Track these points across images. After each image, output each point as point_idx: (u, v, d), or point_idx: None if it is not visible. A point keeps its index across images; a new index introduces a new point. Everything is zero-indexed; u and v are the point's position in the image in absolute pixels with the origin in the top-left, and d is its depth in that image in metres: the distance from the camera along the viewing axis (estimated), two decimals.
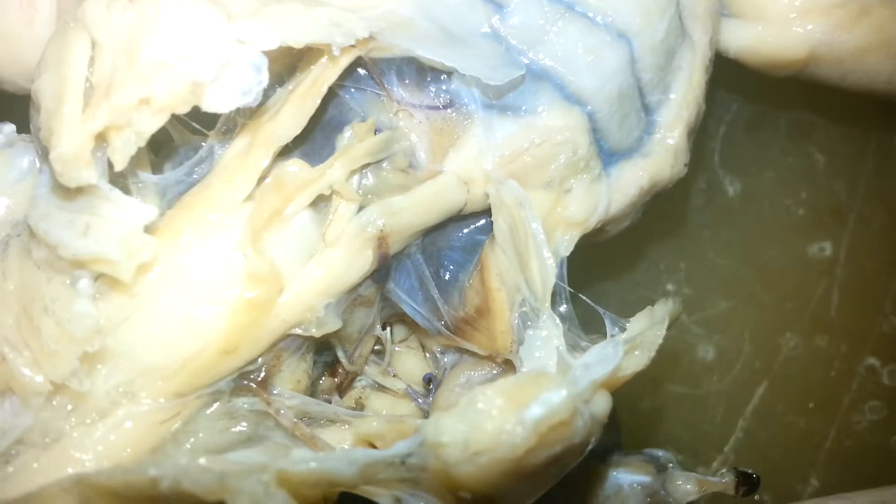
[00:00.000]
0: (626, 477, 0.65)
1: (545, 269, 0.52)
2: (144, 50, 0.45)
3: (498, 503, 0.47)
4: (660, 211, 0.80)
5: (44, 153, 0.45)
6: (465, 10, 0.53)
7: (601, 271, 0.81)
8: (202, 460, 0.42)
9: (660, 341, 0.52)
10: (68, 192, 0.45)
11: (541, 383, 0.43)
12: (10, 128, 0.53)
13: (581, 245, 0.60)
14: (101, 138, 0.44)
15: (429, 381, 0.57)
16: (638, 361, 0.50)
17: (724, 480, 0.63)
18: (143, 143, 0.44)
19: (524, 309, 0.53)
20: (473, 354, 0.56)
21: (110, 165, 0.45)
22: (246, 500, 0.40)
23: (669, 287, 0.84)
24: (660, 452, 0.67)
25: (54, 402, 0.47)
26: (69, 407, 0.47)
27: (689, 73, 0.59)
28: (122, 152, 0.44)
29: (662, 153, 0.58)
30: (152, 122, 0.44)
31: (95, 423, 0.47)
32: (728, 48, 0.64)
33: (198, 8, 0.46)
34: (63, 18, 0.48)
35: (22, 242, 0.48)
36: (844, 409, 0.83)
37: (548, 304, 0.51)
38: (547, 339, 0.52)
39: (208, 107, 0.45)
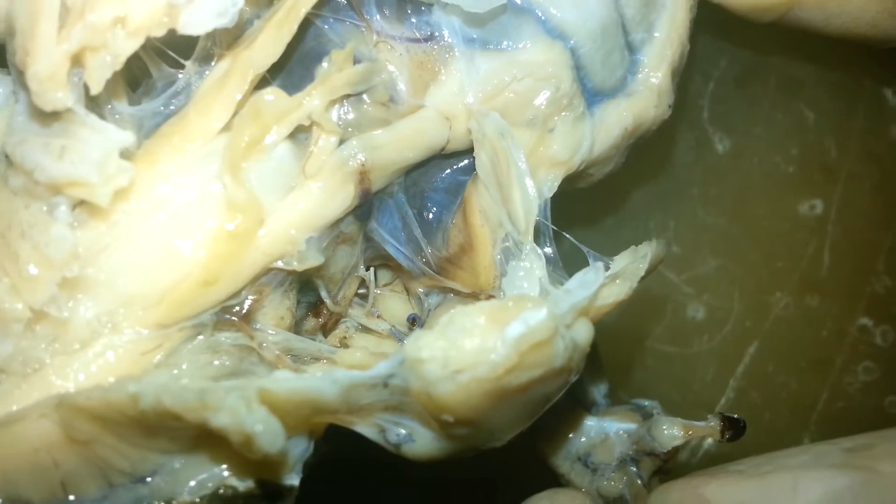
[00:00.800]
0: (612, 425, 0.65)
1: (528, 200, 0.52)
2: None
3: (481, 429, 0.47)
4: (649, 168, 0.82)
5: (19, 79, 0.45)
6: None
7: (590, 230, 0.82)
8: (184, 381, 0.44)
9: (641, 273, 0.52)
10: (45, 118, 0.45)
11: (522, 304, 0.43)
12: None
13: (569, 198, 0.60)
14: (78, 62, 0.44)
15: (413, 321, 0.57)
16: (619, 290, 0.50)
17: (710, 425, 0.64)
18: (118, 67, 0.44)
19: (507, 244, 0.54)
20: (457, 293, 0.56)
21: (86, 91, 0.45)
22: (226, 416, 0.41)
23: None
24: (646, 402, 0.68)
25: (35, 330, 0.46)
26: (50, 336, 0.47)
27: (673, 11, 0.59)
28: (98, 75, 0.44)
29: (647, 93, 0.59)
30: (128, 45, 0.44)
31: (76, 353, 0.47)
32: None
33: None
34: None
35: (2, 167, 0.48)
36: (837, 370, 0.83)
37: (530, 237, 0.52)
38: (530, 270, 0.52)
39: (184, 28, 0.45)
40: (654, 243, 0.57)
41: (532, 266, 0.52)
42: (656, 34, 0.59)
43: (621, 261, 0.54)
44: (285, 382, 0.42)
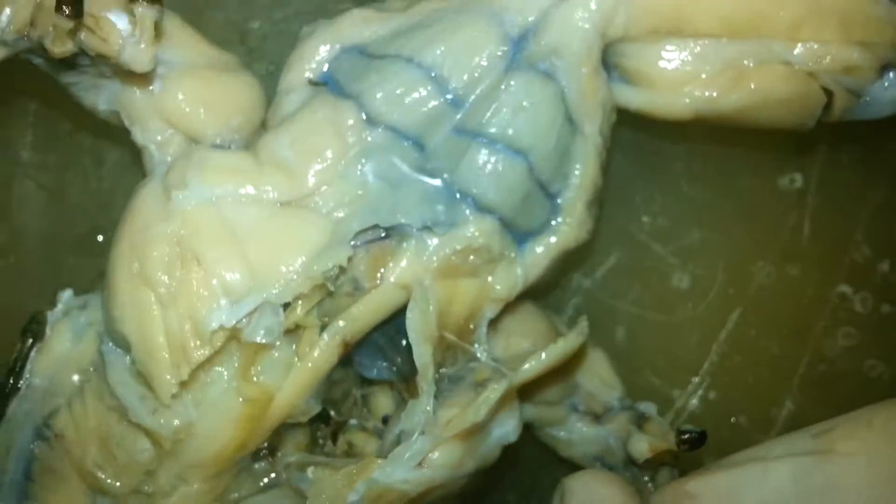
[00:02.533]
0: (610, 435, 0.80)
1: (420, 356, 0.69)
2: (207, 326, 0.67)
3: None
4: (635, 145, 0.89)
5: (121, 348, 0.70)
6: (394, 158, 0.70)
7: None
8: None
9: (493, 398, 0.69)
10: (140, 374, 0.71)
11: (356, 476, 0.67)
12: (67, 295, 0.73)
13: None
14: None
15: (384, 420, 0.76)
16: (464, 420, 0.68)
17: (670, 441, 0.77)
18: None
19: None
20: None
21: None
22: None
23: (645, 219, 0.89)
24: (642, 406, 0.81)
25: (136, 495, 0.71)
26: (146, 495, 0.71)
27: (584, 162, 0.73)
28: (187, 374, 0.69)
29: (566, 229, 0.74)
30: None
31: (164, 500, 0.71)
32: (628, 106, 0.76)
33: (231, 269, 0.67)
34: (124, 258, 0.69)
35: (93, 388, 0.72)
36: (818, 335, 0.88)
37: (428, 376, 0.69)
38: (410, 415, 0.70)
39: (244, 341, 0.68)
40: (557, 346, 0.73)
41: (415, 409, 0.70)
42: (570, 181, 0.73)
43: (494, 389, 0.70)
44: None
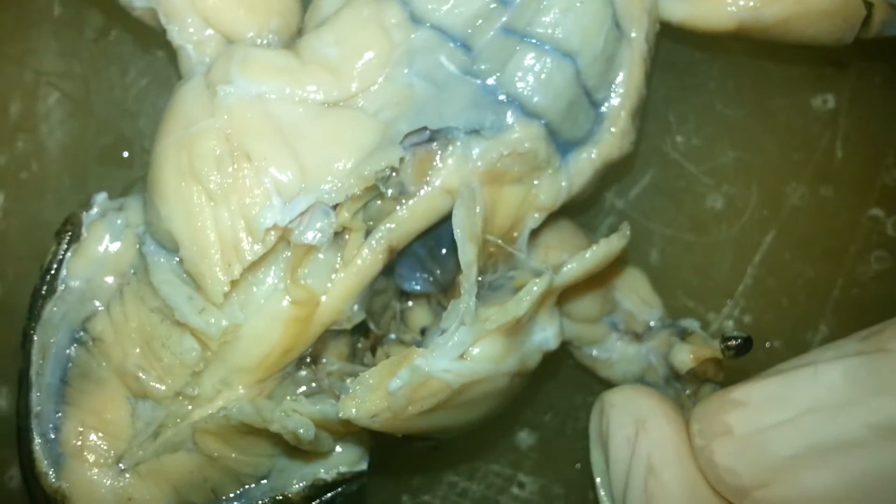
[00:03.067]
0: (652, 352, 0.80)
1: (465, 254, 0.69)
2: (260, 224, 0.66)
3: (432, 432, 0.71)
4: (669, 64, 0.91)
5: (165, 245, 0.70)
6: (442, 58, 0.70)
7: None
8: (247, 403, 0.68)
9: (538, 291, 0.68)
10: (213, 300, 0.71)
11: (400, 363, 0.66)
12: (101, 197, 0.73)
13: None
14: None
15: (422, 332, 0.77)
16: (506, 313, 0.67)
17: (714, 347, 0.77)
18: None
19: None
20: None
21: None
22: (276, 424, 0.66)
23: (678, 138, 0.90)
24: (685, 323, 0.82)
25: (178, 399, 0.72)
26: (189, 400, 0.71)
27: (629, 69, 0.74)
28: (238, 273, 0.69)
29: (610, 139, 0.75)
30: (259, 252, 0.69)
31: (207, 406, 0.72)
32: (670, 20, 0.77)
33: (283, 167, 0.67)
34: (169, 154, 0.69)
35: (133, 291, 0.72)
36: (851, 259, 0.89)
37: (471, 275, 0.69)
38: (453, 312, 0.69)
39: (295, 242, 0.68)
40: (601, 246, 0.72)
41: (457, 307, 0.69)
42: (616, 90, 0.74)
43: (541, 281, 0.69)
44: (308, 406, 0.68)
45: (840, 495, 0.67)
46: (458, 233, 0.70)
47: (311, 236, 0.69)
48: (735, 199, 0.89)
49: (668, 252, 0.89)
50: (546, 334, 0.73)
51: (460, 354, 0.67)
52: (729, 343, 0.76)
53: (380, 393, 0.67)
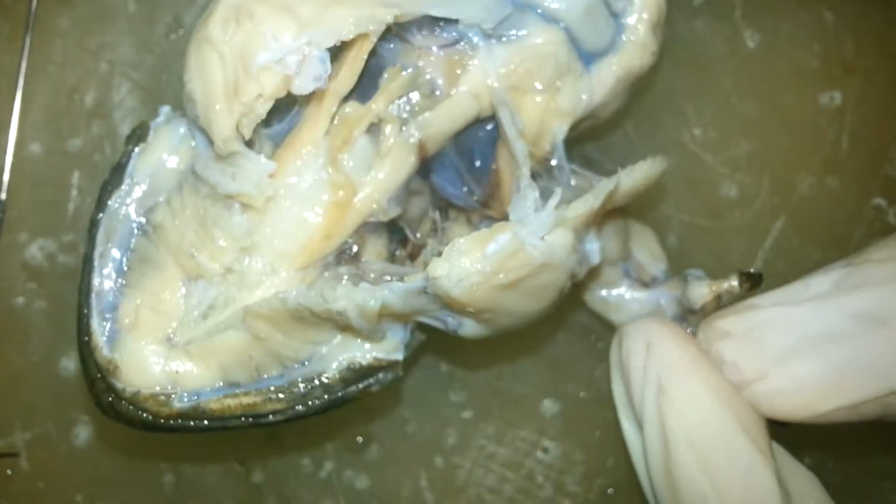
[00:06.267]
0: (664, 294, 0.84)
1: (520, 151, 0.73)
2: (254, 60, 0.70)
3: (499, 313, 0.71)
4: (688, 61, 0.93)
5: (202, 130, 0.74)
6: None
7: (636, 117, 0.92)
8: (313, 291, 0.70)
9: (608, 188, 0.72)
10: (221, 155, 0.73)
11: (497, 230, 0.68)
12: (166, 108, 0.79)
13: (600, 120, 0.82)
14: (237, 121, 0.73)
15: None
16: (589, 203, 0.71)
17: (731, 282, 0.80)
18: (260, 119, 0.72)
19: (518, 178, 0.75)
20: (497, 219, 0.78)
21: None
22: (342, 302, 0.69)
23: (696, 131, 0.92)
24: (693, 272, 0.84)
25: (228, 279, 0.75)
26: (237, 281, 0.75)
27: None
28: (249, 127, 0.72)
29: (631, 49, 0.78)
30: (265, 106, 0.72)
31: (253, 290, 0.75)
32: None
33: (282, 25, 0.71)
34: (196, 37, 0.74)
35: (190, 184, 0.76)
36: (855, 244, 0.91)
37: (526, 171, 0.73)
38: (523, 198, 0.72)
39: (295, 91, 0.72)
40: (647, 164, 0.76)
41: (527, 195, 0.72)
42: (633, 2, 0.77)
43: (606, 182, 0.73)
44: (368, 292, 0.69)
45: (826, 381, 0.70)
46: (509, 131, 0.73)
47: (309, 83, 0.71)
48: (748, 187, 0.90)
49: (686, 236, 0.90)
50: (592, 247, 0.74)
51: (542, 236, 0.68)
52: (744, 276, 0.79)
53: (475, 255, 0.67)
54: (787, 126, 0.91)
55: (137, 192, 0.76)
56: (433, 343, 0.78)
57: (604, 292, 0.84)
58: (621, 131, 0.91)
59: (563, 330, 0.89)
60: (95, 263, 0.75)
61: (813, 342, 0.70)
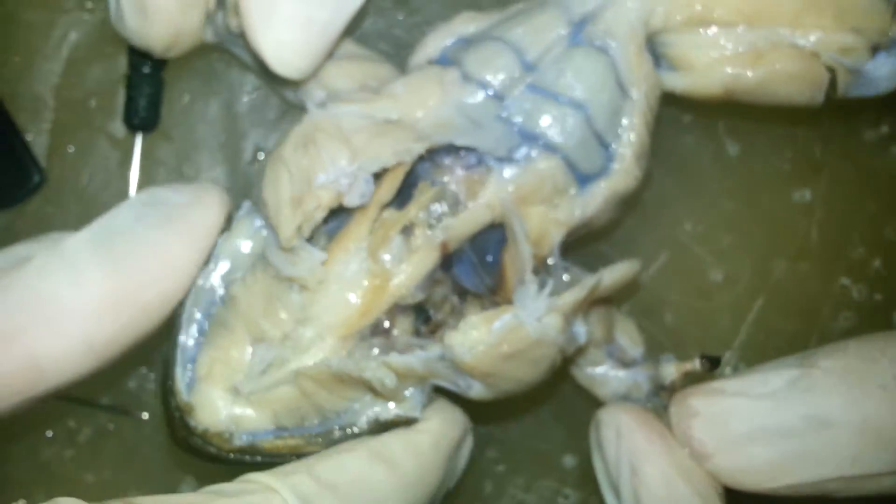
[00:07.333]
0: (640, 373, 0.93)
1: (524, 254, 0.85)
2: (315, 179, 0.83)
3: (503, 379, 0.82)
4: (678, 169, 1.02)
5: (271, 229, 0.87)
6: (481, 104, 0.88)
7: (636, 217, 1.00)
8: (352, 360, 0.83)
9: (592, 282, 0.83)
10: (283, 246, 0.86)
11: (502, 311, 0.80)
12: (247, 203, 0.90)
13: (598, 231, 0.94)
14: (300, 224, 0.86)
15: None
16: (576, 295, 0.82)
17: (693, 363, 0.90)
18: (317, 224, 0.85)
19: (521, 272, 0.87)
20: (503, 304, 0.88)
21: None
22: (368, 372, 0.81)
23: (687, 226, 1.00)
24: (665, 356, 0.94)
25: (285, 343, 0.87)
26: (292, 345, 0.87)
27: (631, 120, 0.89)
28: (307, 230, 0.85)
29: (618, 174, 0.89)
30: (321, 214, 0.85)
31: (304, 353, 0.87)
32: (674, 90, 0.90)
33: (339, 154, 0.83)
34: (273, 154, 0.86)
35: (261, 266, 0.88)
36: (824, 318, 0.98)
37: (528, 267, 0.84)
38: (524, 294, 0.83)
39: (346, 203, 0.85)
40: (624, 264, 0.88)
41: (528, 286, 0.83)
42: (622, 136, 0.88)
43: (590, 279, 0.85)
44: (397, 359, 0.82)
45: (775, 465, 0.77)
46: (519, 235, 0.84)
47: (356, 199, 0.83)
48: (732, 272, 0.98)
49: (680, 315, 0.98)
50: (580, 330, 0.85)
51: (538, 318, 0.80)
52: (705, 358, 0.88)
53: (483, 330, 0.79)
54: (764, 220, 0.98)
55: (220, 269, 0.89)
56: (472, 411, 0.86)
57: (589, 370, 0.94)
58: (624, 228, 1.01)
59: (582, 399, 0.98)
60: (183, 324, 0.88)
61: (767, 433, 0.78)
